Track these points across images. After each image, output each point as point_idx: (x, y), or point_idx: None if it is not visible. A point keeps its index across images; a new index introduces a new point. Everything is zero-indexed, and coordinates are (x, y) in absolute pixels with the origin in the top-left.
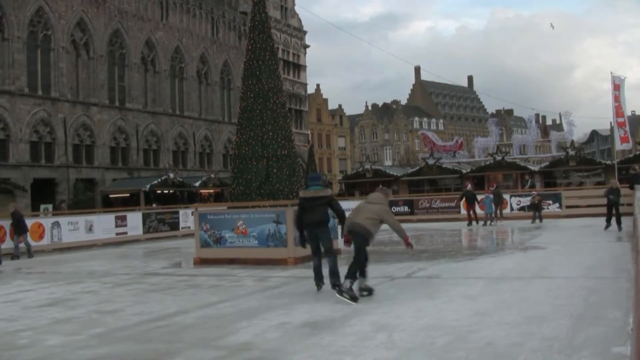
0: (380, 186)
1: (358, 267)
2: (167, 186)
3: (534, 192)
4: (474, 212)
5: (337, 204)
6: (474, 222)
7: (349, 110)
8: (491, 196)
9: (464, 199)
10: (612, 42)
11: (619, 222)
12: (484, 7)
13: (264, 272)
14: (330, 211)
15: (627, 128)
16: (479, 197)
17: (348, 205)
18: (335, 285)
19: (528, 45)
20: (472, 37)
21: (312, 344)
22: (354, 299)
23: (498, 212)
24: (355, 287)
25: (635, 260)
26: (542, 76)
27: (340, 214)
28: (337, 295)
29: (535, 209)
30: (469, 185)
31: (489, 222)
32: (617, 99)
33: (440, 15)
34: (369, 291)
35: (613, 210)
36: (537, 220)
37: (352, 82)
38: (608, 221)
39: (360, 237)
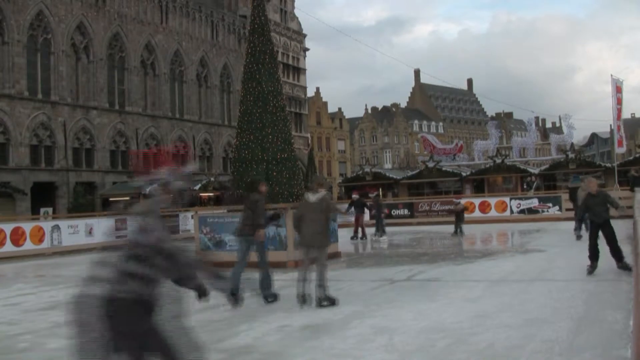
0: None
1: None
2: None
3: (455, 200)
4: (361, 223)
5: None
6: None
7: (349, 114)
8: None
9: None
10: (614, 45)
11: (618, 255)
12: (487, 10)
13: None
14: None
15: (622, 132)
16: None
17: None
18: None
19: (530, 48)
20: (474, 40)
21: (313, 347)
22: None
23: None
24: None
25: (635, 263)
26: (544, 79)
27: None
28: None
29: (456, 219)
30: (356, 195)
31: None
32: (620, 101)
33: (443, 18)
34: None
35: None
36: (459, 232)
37: (358, 86)
38: (595, 258)
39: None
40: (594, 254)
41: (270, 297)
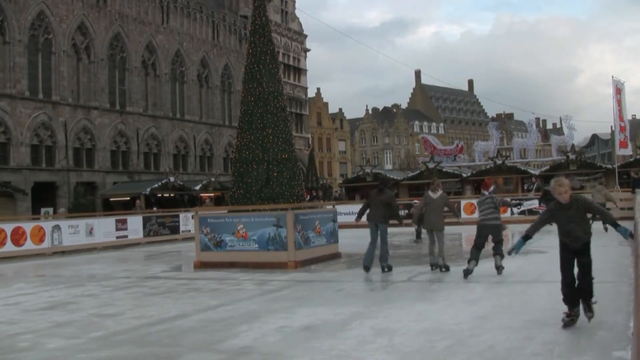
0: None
1: None
2: (168, 190)
3: (415, 201)
4: None
5: None
6: None
7: (349, 114)
8: None
9: None
10: (617, 48)
11: (589, 295)
12: (490, 12)
13: (264, 276)
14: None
15: (627, 133)
16: None
17: (349, 209)
18: None
19: (532, 50)
20: (476, 41)
21: (313, 348)
22: None
23: None
24: None
25: (635, 265)
26: (545, 81)
27: None
28: None
29: (418, 224)
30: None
31: None
32: (620, 102)
33: (446, 20)
34: None
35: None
36: (420, 238)
37: (360, 87)
38: (574, 301)
39: None
40: (572, 296)
41: (386, 267)
